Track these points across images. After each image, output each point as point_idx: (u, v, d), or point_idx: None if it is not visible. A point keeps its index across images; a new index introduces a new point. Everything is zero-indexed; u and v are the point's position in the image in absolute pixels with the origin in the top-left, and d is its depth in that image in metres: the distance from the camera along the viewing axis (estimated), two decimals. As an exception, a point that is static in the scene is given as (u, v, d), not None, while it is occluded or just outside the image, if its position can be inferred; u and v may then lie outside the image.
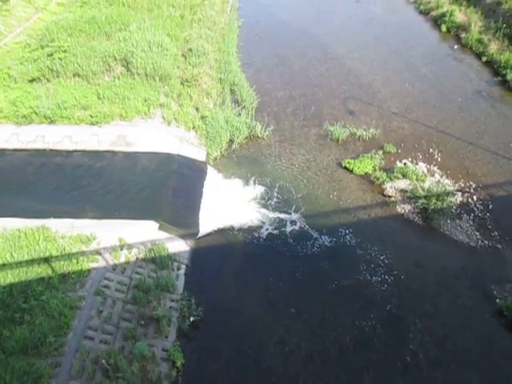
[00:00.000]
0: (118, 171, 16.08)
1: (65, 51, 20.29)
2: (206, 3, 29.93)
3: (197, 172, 17.08)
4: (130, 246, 13.30)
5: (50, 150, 16.65)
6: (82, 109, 17.81)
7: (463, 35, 29.02)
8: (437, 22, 31.88)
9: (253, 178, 17.26)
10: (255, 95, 22.11)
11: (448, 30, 30.52)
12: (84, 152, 16.67)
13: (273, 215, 15.65)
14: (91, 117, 17.50)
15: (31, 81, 19.36)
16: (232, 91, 22.57)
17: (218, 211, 15.55)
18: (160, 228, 14.11)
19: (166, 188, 15.47)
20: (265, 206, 16.01)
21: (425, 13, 34.13)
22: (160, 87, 19.94)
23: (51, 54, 20.21)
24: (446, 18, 30.92)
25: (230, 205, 15.94)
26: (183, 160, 17.09)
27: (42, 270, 11.73)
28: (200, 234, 14.80)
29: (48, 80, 19.43)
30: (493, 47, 26.36)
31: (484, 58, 26.19)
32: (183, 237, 14.47)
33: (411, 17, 34.49)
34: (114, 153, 16.72)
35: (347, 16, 34.59)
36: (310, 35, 30.49)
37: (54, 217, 13.53)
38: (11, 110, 17.66)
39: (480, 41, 27.47)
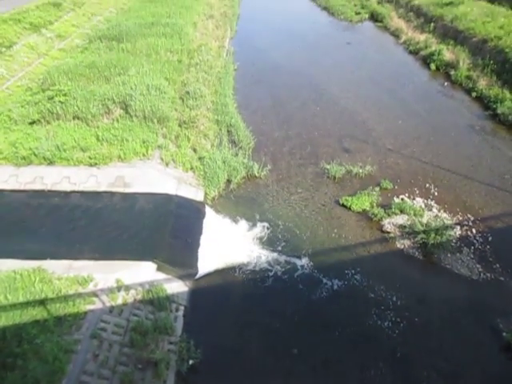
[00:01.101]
0: (116, 212, 16.04)
1: (65, 94, 20.73)
2: (202, 48, 30.96)
3: (195, 212, 17.05)
4: (127, 288, 13.06)
5: (49, 191, 16.66)
6: (80, 150, 17.98)
7: (452, 72, 30.00)
8: (426, 60, 33.03)
9: (251, 217, 17.22)
10: (252, 136, 22.47)
11: (437, 68, 31.59)
12: (82, 193, 16.69)
13: (272, 255, 15.48)
14: (90, 158, 17.65)
15: (32, 123, 19.64)
16: (229, 132, 22.93)
17: (217, 251, 15.39)
18: (158, 269, 13.93)
19: (164, 228, 15.38)
20: (264, 246, 15.86)
21: (414, 52, 35.42)
22: (158, 129, 20.25)
23: (52, 98, 20.62)
24: (435, 57, 32.09)
25: (229, 245, 15.80)
26: (181, 200, 17.10)
27: (38, 313, 11.45)
28: (199, 275, 14.59)
29: (48, 122, 19.72)
30: (482, 83, 27.19)
31: (474, 94, 26.97)
32: (182, 277, 14.25)
33: (401, 57, 35.75)
34: (112, 194, 16.73)
35: (339, 57, 35.82)
36: (303, 76, 31.41)
37: (51, 258, 13.36)
38: (11, 151, 17.81)
39: (469, 77, 28.39)
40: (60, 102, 20.39)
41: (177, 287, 13.88)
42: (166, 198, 16.84)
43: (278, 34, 42.95)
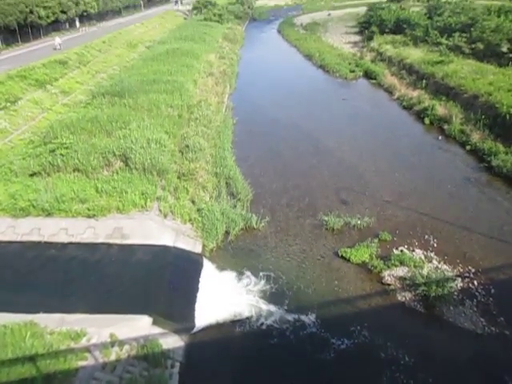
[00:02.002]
0: (113, 264, 15.84)
1: (67, 147, 21.12)
2: (202, 104, 31.91)
3: (193, 264, 16.85)
4: (121, 343, 12.63)
5: (45, 243, 16.54)
6: (79, 202, 18.04)
7: (446, 127, 30.80)
8: (420, 115, 33.98)
9: (249, 269, 16.97)
10: (250, 188, 22.65)
11: (431, 123, 32.46)
12: (79, 244, 16.56)
13: (271, 309, 15.11)
14: (88, 210, 17.67)
15: (32, 175, 19.85)
16: (227, 184, 23.13)
17: (215, 304, 15.05)
18: (154, 323, 13.54)
19: (161, 281, 15.13)
20: (262, 299, 15.51)
21: (408, 108, 36.51)
22: (157, 181, 20.45)
23: (53, 150, 20.99)
24: (429, 112, 33.07)
25: (227, 298, 15.49)
26: (179, 252, 16.96)
27: (26, 370, 10.98)
28: (196, 329, 14.18)
29: (48, 174, 19.93)
30: (475, 136, 27.86)
31: (468, 147, 27.54)
32: (178, 332, 13.83)
33: (395, 111, 36.80)
34: (109, 245, 16.61)
35: (335, 112, 36.87)
36: (300, 130, 32.17)
37: (44, 311, 13.02)
38: (9, 202, 17.87)
39: (462, 131, 29.12)
40: (61, 154, 20.75)
41: (173, 342, 13.43)
42: (164, 250, 16.69)
43: (275, 91, 44.48)
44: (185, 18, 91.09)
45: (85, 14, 65.21)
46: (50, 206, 17.62)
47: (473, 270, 16.58)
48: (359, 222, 19.70)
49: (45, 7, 52.11)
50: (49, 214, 17.56)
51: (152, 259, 16.20)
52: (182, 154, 24.08)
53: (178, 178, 21.56)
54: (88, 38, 52.98)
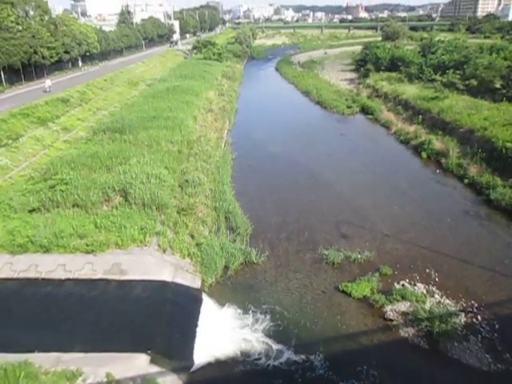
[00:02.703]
0: (111, 300, 15.58)
1: (66, 183, 21.21)
2: (202, 139, 32.32)
3: (192, 300, 16.60)
4: (118, 382, 12.28)
5: (42, 279, 16.32)
6: (78, 237, 17.95)
7: (443, 160, 31.09)
8: (417, 149, 34.37)
9: (249, 305, 16.73)
10: (249, 222, 22.63)
11: (428, 157, 32.80)
12: (77, 281, 16.35)
13: (272, 346, 14.78)
14: (87, 245, 17.56)
15: (31, 211, 19.84)
16: (227, 219, 23.11)
17: (214, 341, 14.75)
18: (151, 361, 13.19)
19: (159, 318, 14.85)
20: (263, 336, 15.21)
21: (405, 142, 36.99)
22: (157, 216, 20.43)
23: (53, 186, 21.07)
24: (425, 146, 33.49)
25: (226, 334, 15.19)
26: (178, 288, 16.73)
27: (19, 413, 10.62)
28: (194, 367, 13.81)
29: (48, 210, 19.92)
30: (472, 170, 28.09)
31: (466, 181, 27.72)
32: (176, 370, 13.46)
33: (393, 146, 37.23)
34: (107, 281, 16.39)
35: (334, 147, 37.30)
36: (299, 165, 32.42)
37: (40, 350, 12.70)
38: (7, 239, 17.77)
39: (460, 165, 29.38)
40: (61, 190, 20.81)
41: (170, 381, 13.06)
42: (163, 286, 16.47)
43: (274, 126, 45.17)
44: (185, 57, 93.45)
45: (87, 53, 66.93)
46: (48, 242, 17.52)
47: (476, 305, 16.34)
48: (359, 255, 19.57)
49: (49, 48, 53.54)
50: (47, 250, 17.43)
51: (150, 295, 15.95)
52: (182, 188, 24.17)
53: (178, 212, 21.54)
54: (90, 77, 54.18)
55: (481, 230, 22.52)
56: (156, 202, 20.95)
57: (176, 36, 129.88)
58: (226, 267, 18.97)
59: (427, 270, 18.62)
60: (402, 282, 17.64)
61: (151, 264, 17.42)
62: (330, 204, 25.73)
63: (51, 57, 54.92)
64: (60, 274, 16.55)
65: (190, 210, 21.79)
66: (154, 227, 19.37)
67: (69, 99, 40.03)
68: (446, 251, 20.08)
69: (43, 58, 52.95)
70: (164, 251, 18.36)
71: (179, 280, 17.10)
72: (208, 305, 16.60)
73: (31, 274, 16.55)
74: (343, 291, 17.35)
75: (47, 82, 44.74)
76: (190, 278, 17.59)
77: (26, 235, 17.88)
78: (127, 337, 13.83)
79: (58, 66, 60.15)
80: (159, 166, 24.75)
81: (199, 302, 16.49)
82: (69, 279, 16.41)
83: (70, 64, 64.62)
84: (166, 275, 17.02)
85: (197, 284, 17.51)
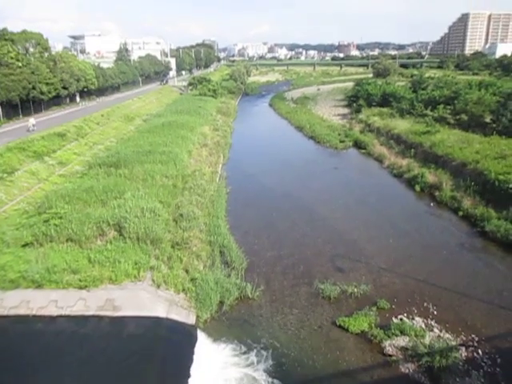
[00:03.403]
0: (103, 338, 15.22)
1: (61, 217, 21.07)
2: (196, 174, 32.47)
3: (186, 337, 16.24)
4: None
5: (33, 316, 15.95)
6: (71, 273, 17.70)
7: (437, 193, 31.35)
8: (410, 183, 34.66)
9: (245, 341, 16.38)
10: (244, 256, 22.46)
11: (422, 190, 33.06)
12: (69, 317, 15.99)
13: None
14: (80, 281, 17.30)
15: (24, 245, 19.60)
16: (221, 253, 22.93)
17: (209, 380, 14.35)
18: (144, 401, 12.78)
19: (152, 356, 14.47)
20: (259, 374, 14.83)
21: (398, 175, 37.33)
22: (151, 250, 20.25)
23: (47, 220, 20.92)
24: (419, 180, 33.80)
25: (222, 372, 14.80)
26: (172, 324, 16.40)
27: None
28: (188, 408, 13.36)
29: (41, 245, 19.70)
30: (466, 203, 28.29)
31: (460, 213, 27.86)
32: (169, 411, 13.02)
33: (386, 179, 37.53)
34: (100, 318, 16.05)
35: (327, 181, 37.53)
36: (293, 199, 32.51)
37: (28, 391, 12.28)
38: (-1, 274, 17.45)
39: (453, 198, 29.61)
40: (55, 224, 20.65)
41: (164, 423, 12.59)
42: (156, 322, 16.14)
43: (268, 160, 45.55)
44: (181, 93, 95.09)
45: (85, 89, 67.99)
46: (40, 278, 17.24)
47: (476, 339, 16.09)
48: (356, 289, 19.36)
49: (47, 83, 54.30)
50: (39, 286, 17.13)
51: (144, 332, 15.61)
52: (176, 222, 24.08)
53: (172, 246, 21.39)
54: (87, 112, 54.85)
55: (477, 262, 22.46)
56: (150, 236, 20.82)
57: (172, 73, 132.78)
58: (221, 302, 18.66)
59: (425, 304, 18.42)
60: (400, 316, 17.41)
61: (145, 300, 17.13)
62: (325, 237, 25.66)
63: (49, 92, 55.65)
64: (52, 311, 16.20)
65: (185, 245, 21.64)
66: (148, 262, 19.17)
67: (65, 134, 40.33)
68: (444, 284, 19.94)
69: (41, 93, 53.65)
70: (158, 286, 18.10)
71: (173, 316, 16.78)
72: (203, 342, 16.24)
73: (22, 311, 16.20)
74: (340, 326, 17.06)
75: (31, 121, 42.48)
76: (184, 314, 17.27)
77: (17, 270, 17.60)
78: (119, 376, 13.46)
79: (56, 101, 60.93)
80: (154, 200, 24.73)
81: (194, 338, 16.13)
82: (61, 316, 16.06)
83: (67, 99, 65.51)
84: (160, 311, 16.72)
85: (191, 320, 17.18)
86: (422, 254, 23.33)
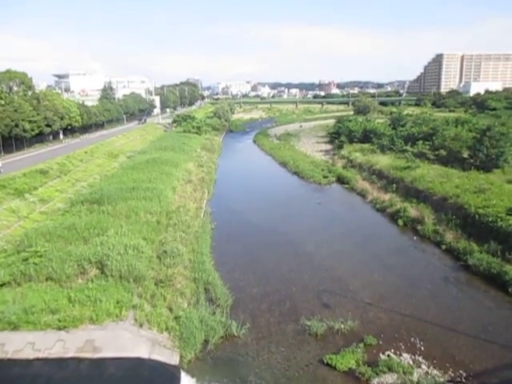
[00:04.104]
0: (82, 381, 14.65)
1: (40, 256, 20.59)
2: (181, 210, 32.29)
3: (169, 379, 15.72)
4: None
5: (8, 360, 15.26)
6: (50, 313, 17.12)
7: (419, 227, 31.68)
8: (393, 217, 34.99)
9: (230, 382, 15.92)
10: (230, 293, 22.15)
11: (405, 224, 33.39)
12: (46, 360, 15.34)
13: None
14: (59, 321, 16.72)
15: (1, 285, 19.00)
16: (206, 290, 22.58)
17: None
18: None
19: (134, 398, 13.92)
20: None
21: (381, 210, 37.70)
22: (134, 288, 19.81)
23: (26, 259, 20.42)
24: (401, 214, 34.22)
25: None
26: (154, 365, 15.88)
27: None
28: None
29: (19, 284, 19.13)
30: (449, 236, 28.62)
31: (443, 247, 28.14)
32: None
33: (369, 214, 37.85)
34: (79, 360, 15.44)
35: (311, 216, 37.66)
36: (278, 234, 32.44)
37: None
38: (-27, 317, 16.76)
39: (436, 231, 29.96)
40: (34, 263, 20.16)
41: None
42: (138, 363, 15.61)
43: (252, 196, 45.68)
44: (165, 131, 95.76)
45: (69, 127, 68.03)
46: (17, 319, 16.62)
47: (464, 375, 15.94)
48: (342, 325, 19.14)
49: (30, 121, 54.27)
50: (15, 328, 16.48)
51: (125, 374, 15.08)
52: (160, 259, 23.71)
53: (156, 284, 20.98)
54: (70, 149, 54.67)
55: (462, 296, 22.50)
56: (133, 273, 20.43)
57: (156, 110, 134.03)
58: (206, 341, 18.21)
59: (412, 339, 18.25)
60: (387, 353, 17.19)
61: (127, 340, 16.60)
62: (311, 273, 25.51)
63: (32, 130, 55.54)
64: (28, 354, 15.55)
65: (169, 282, 21.26)
66: (130, 300, 18.70)
67: (48, 171, 39.99)
68: (430, 318, 19.86)
69: (24, 131, 53.51)
70: (141, 326, 17.60)
71: (156, 356, 16.27)
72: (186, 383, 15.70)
73: (-4, 355, 15.50)
74: (328, 364, 16.75)
75: None
76: (167, 354, 16.76)
77: (-7, 312, 16.95)
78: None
79: (39, 138, 60.74)
80: (137, 237, 24.42)
81: (177, 380, 15.60)
82: (38, 359, 15.41)
83: (50, 137, 65.36)
84: (142, 352, 16.20)
85: (175, 360, 16.66)
86: (407, 288, 23.31)
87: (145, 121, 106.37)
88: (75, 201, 32.31)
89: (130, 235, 24.29)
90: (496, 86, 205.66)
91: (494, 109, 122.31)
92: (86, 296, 18.33)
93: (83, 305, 17.81)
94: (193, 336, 17.82)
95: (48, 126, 60.44)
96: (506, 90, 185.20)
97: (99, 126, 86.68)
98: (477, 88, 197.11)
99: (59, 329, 16.58)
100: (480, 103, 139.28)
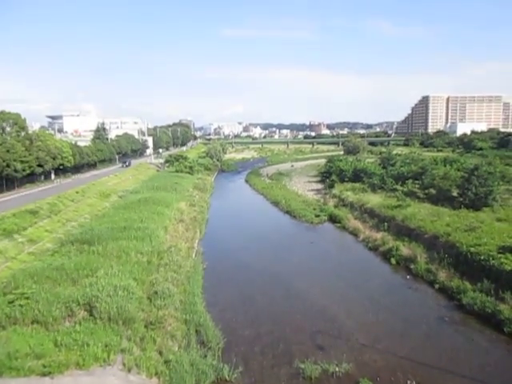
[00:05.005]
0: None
1: (27, 298, 20.06)
2: (172, 249, 31.99)
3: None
4: None
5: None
6: (35, 358, 16.47)
7: (412, 266, 31.57)
8: (386, 255, 34.90)
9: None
10: (221, 335, 21.66)
11: (397, 263, 33.29)
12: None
13: None
14: (44, 366, 16.07)
15: (-16, 330, 18.35)
16: (197, 332, 22.05)
17: None
18: None
19: None
20: None
21: (373, 249, 37.63)
22: (123, 331, 19.26)
23: (12, 301, 19.86)
24: (394, 252, 34.16)
25: None
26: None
27: None
28: None
29: (3, 328, 18.47)
30: (442, 275, 28.50)
31: (437, 286, 27.96)
32: None
33: (362, 253, 37.76)
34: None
35: (304, 255, 37.46)
36: (270, 274, 32.12)
37: None
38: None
39: (429, 270, 29.86)
40: (20, 305, 19.60)
41: None
42: (126, 411, 14.95)
43: (245, 235, 45.49)
44: (157, 170, 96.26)
45: (61, 166, 68.13)
46: (0, 365, 15.96)
47: (463, 419, 15.46)
48: (337, 368, 18.68)
49: (22, 161, 54.38)
50: (-2, 374, 15.83)
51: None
52: (151, 300, 23.24)
53: (146, 326, 20.44)
54: (62, 189, 54.50)
55: (457, 336, 22.18)
56: (123, 315, 19.91)
57: (149, 150, 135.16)
58: (196, 387, 17.59)
59: (408, 382, 17.78)
60: (384, 397, 16.69)
61: (114, 386, 15.97)
62: (304, 314, 25.08)
63: (24, 170, 55.53)
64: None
65: (159, 324, 20.75)
66: (119, 344, 18.13)
67: (38, 211, 39.65)
68: (426, 360, 19.45)
69: (15, 171, 53.46)
70: (129, 370, 17.00)
71: (145, 403, 15.63)
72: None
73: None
74: (323, 410, 16.19)
75: None
76: (156, 401, 16.12)
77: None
78: None
79: (30, 178, 60.63)
80: (128, 278, 23.99)
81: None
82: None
83: (42, 176, 65.26)
84: (130, 399, 15.56)
85: (164, 409, 16.02)
86: (401, 328, 22.95)
87: (129, 164, 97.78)
88: (65, 241, 31.95)
89: (120, 276, 23.87)
90: (481, 126, 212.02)
91: (481, 148, 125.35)
92: (73, 340, 17.74)
93: (70, 349, 17.21)
94: (183, 381, 17.24)
95: (40, 166, 60.49)
96: (490, 130, 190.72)
97: (91, 165, 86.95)
98: (463, 128, 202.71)
99: (43, 375, 15.91)
100: (467, 143, 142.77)
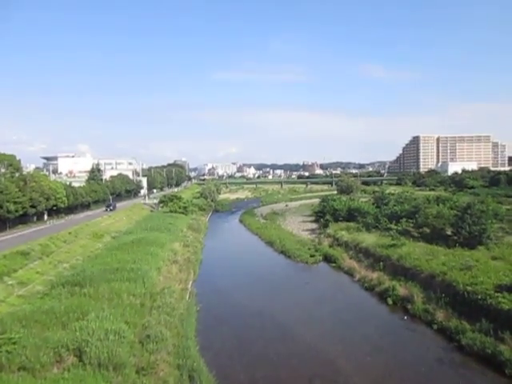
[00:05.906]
0: None
1: (14, 343, 19.36)
2: (165, 291, 31.40)
3: None
4: None
5: None
6: (20, 408, 15.77)
7: (409, 306, 31.11)
8: (382, 296, 34.43)
9: None
10: (215, 380, 20.97)
11: (394, 303, 32.80)
12: None
13: None
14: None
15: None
16: (191, 378, 21.28)
17: None
18: None
19: None
20: None
21: (370, 289, 37.17)
22: (113, 377, 18.58)
23: (-2, 347, 19.18)
24: (390, 293, 33.74)
25: None
26: None
27: None
28: None
29: (-12, 378, 17.77)
30: (440, 315, 28.05)
31: (435, 326, 27.47)
32: None
33: (358, 293, 37.26)
34: None
35: (300, 296, 36.90)
36: (266, 316, 31.49)
37: None
38: None
39: (426, 310, 29.41)
40: (7, 351, 18.90)
41: None
42: None
43: (239, 276, 44.91)
44: (151, 211, 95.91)
45: (54, 207, 67.80)
46: (-18, 417, 15.25)
47: None
48: (336, 415, 17.98)
49: (15, 202, 54.11)
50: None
51: None
52: (143, 344, 22.57)
53: (137, 372, 19.74)
54: (54, 230, 53.94)
55: (458, 379, 21.59)
56: (113, 361, 19.26)
57: (143, 191, 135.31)
58: None
59: (410, 429, 17.15)
60: None
61: None
62: (300, 357, 24.41)
63: (16, 211, 55.14)
64: None
65: (151, 369, 20.08)
66: (109, 392, 17.46)
67: (29, 252, 39.03)
68: (427, 405, 18.84)
69: (8, 212, 53.08)
70: (118, 419, 16.27)
71: None
72: None
73: None
74: None
75: None
76: None
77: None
78: None
79: (23, 219, 60.11)
80: (119, 321, 23.38)
81: None
82: None
83: (35, 217, 64.77)
84: None
85: None
86: (400, 371, 22.37)
87: (114, 207, 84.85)
88: (56, 283, 31.29)
89: (111, 319, 23.25)
90: (472, 165, 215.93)
91: (472, 187, 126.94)
92: (60, 389, 17.07)
93: (57, 398, 16.54)
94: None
95: (33, 206, 60.14)
96: (481, 169, 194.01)
97: (85, 206, 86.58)
98: (454, 167, 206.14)
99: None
100: (458, 182, 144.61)
